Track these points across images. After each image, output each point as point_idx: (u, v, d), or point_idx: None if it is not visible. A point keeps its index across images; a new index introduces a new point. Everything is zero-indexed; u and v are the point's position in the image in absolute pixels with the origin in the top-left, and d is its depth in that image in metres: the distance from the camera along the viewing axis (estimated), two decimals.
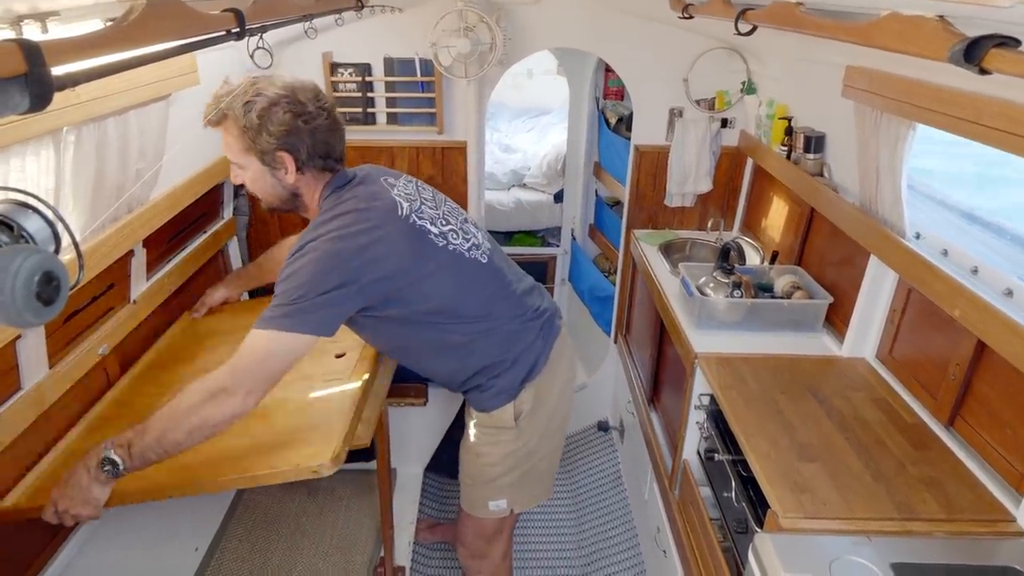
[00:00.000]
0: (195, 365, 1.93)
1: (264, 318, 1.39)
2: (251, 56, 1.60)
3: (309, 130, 1.48)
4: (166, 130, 1.85)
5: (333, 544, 2.31)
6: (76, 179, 1.50)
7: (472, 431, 1.84)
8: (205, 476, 1.47)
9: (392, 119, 2.80)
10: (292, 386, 1.79)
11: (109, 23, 0.84)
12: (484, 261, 1.68)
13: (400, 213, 1.54)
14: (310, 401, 1.69)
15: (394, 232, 1.50)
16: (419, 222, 1.56)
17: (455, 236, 1.63)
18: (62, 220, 0.93)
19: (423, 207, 1.61)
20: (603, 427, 3.39)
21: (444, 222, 1.63)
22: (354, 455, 2.26)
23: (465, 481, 1.92)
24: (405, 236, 1.52)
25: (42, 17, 0.94)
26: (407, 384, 2.53)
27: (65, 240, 0.97)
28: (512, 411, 1.75)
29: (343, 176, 1.60)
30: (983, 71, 0.77)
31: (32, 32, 0.94)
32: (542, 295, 1.86)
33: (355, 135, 2.82)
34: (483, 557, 2.05)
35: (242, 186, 1.61)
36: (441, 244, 1.58)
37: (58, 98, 0.73)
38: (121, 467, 1.36)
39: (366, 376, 1.70)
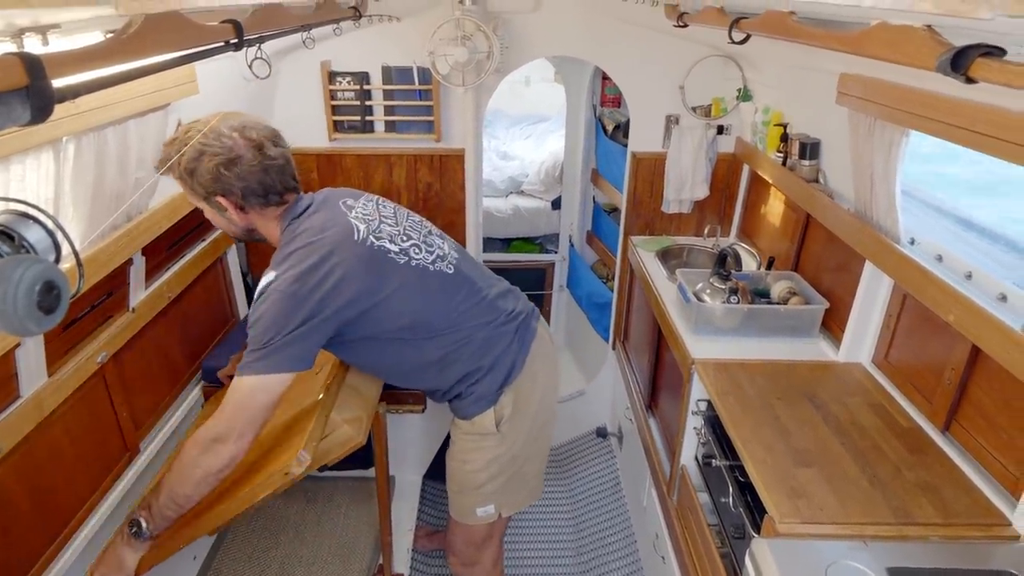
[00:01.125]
0: None
1: (241, 366, 1.45)
2: (249, 66, 1.61)
3: (236, 175, 1.51)
4: (165, 139, 1.85)
5: (332, 552, 2.30)
6: (75, 188, 1.51)
7: (456, 439, 1.86)
8: (204, 516, 1.52)
9: (390, 127, 2.82)
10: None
11: (109, 35, 0.86)
12: (450, 272, 1.70)
13: (357, 237, 1.56)
14: (287, 420, 1.69)
15: (350, 257, 1.52)
16: (377, 243, 1.59)
17: (417, 251, 1.66)
18: (62, 230, 0.93)
19: (382, 226, 1.63)
20: (601, 433, 3.39)
21: (405, 238, 1.66)
22: (353, 462, 2.27)
23: (452, 488, 1.93)
24: (362, 259, 1.54)
25: (43, 30, 0.94)
26: (405, 391, 2.54)
27: (65, 249, 0.98)
28: (493, 417, 1.77)
29: (298, 206, 1.62)
30: (969, 80, 0.78)
31: (33, 45, 0.95)
32: (517, 298, 1.88)
33: (353, 143, 2.84)
34: (474, 564, 2.05)
35: None
36: (403, 261, 1.61)
37: (58, 109, 0.74)
38: (144, 527, 1.48)
39: (329, 381, 1.70)
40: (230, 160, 1.49)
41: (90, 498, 1.84)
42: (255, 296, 1.51)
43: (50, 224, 0.91)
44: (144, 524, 1.48)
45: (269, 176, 1.55)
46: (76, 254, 0.97)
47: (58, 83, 0.72)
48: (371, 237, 1.58)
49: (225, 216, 1.59)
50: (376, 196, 1.76)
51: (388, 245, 1.60)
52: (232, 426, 1.43)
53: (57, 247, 0.92)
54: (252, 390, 1.43)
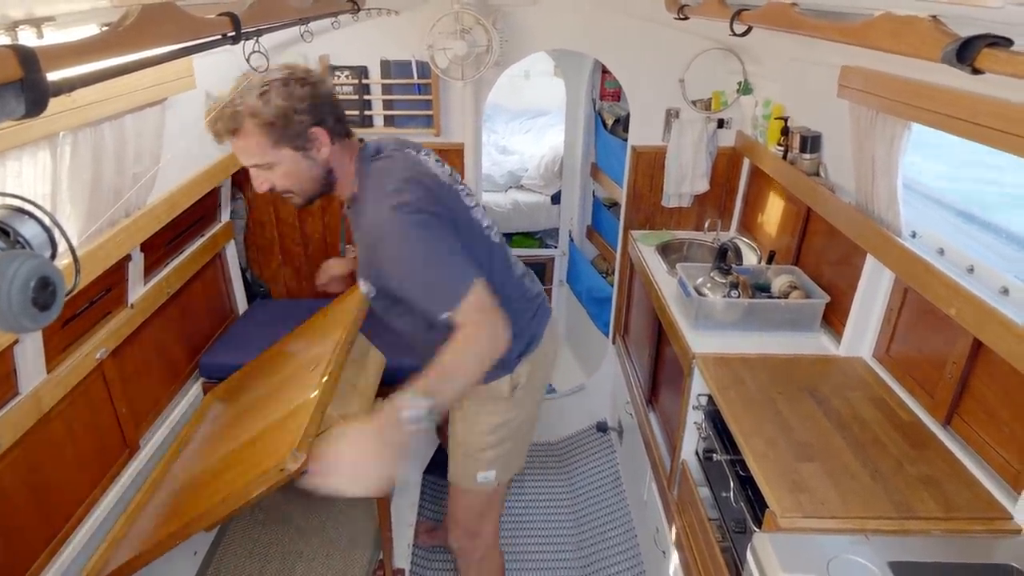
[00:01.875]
0: (223, 442, 1.92)
1: (445, 306, 1.38)
2: (247, 60, 1.59)
3: (323, 94, 1.47)
4: (163, 134, 1.85)
5: (333, 547, 2.30)
6: (73, 184, 1.50)
7: (465, 404, 1.83)
8: (200, 513, 1.54)
9: (389, 121, 2.81)
10: (268, 403, 1.82)
11: (105, 28, 0.85)
12: (496, 241, 1.73)
13: (442, 179, 1.60)
14: (282, 416, 1.69)
15: (444, 194, 1.56)
16: (455, 186, 1.64)
17: (477, 212, 1.69)
18: (58, 225, 0.93)
19: (454, 175, 1.68)
20: (602, 428, 3.38)
21: (468, 196, 1.69)
22: None
23: (455, 453, 1.91)
24: (451, 197, 1.59)
25: (37, 23, 0.94)
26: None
27: (62, 245, 0.97)
28: (509, 383, 1.76)
29: (369, 148, 1.59)
30: (975, 71, 0.77)
31: (27, 38, 0.94)
32: (534, 279, 1.92)
33: None
34: (476, 535, 2.05)
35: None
36: (475, 217, 1.66)
37: (54, 103, 0.73)
38: (426, 411, 1.27)
39: (325, 378, 1.70)
40: (317, 83, 1.45)
41: (90, 495, 1.84)
42: (366, 228, 1.49)
43: (46, 220, 0.90)
44: (427, 409, 1.26)
45: (341, 103, 1.55)
46: (72, 250, 0.96)
47: (53, 76, 0.71)
48: (449, 180, 1.63)
49: (310, 157, 1.48)
50: (433, 151, 1.73)
51: (464, 197, 1.65)
52: (481, 324, 1.38)
53: (53, 243, 0.91)
54: (475, 296, 1.38)
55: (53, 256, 0.92)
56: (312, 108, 1.43)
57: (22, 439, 1.55)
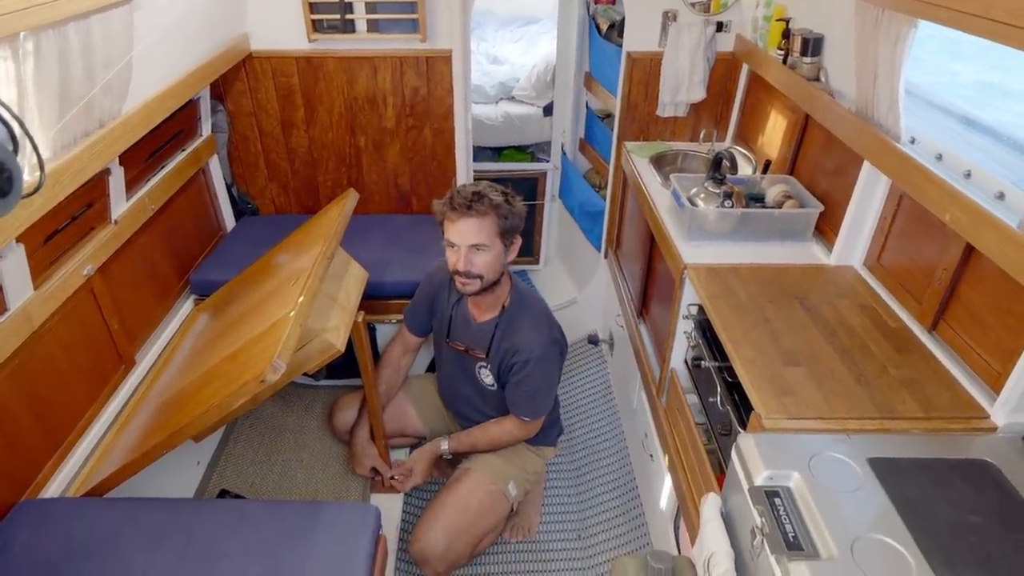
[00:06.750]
0: (207, 356, 1.91)
1: (531, 417, 2.05)
2: None
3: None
4: (132, 36, 1.74)
5: (331, 456, 2.38)
6: (39, 90, 1.42)
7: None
8: (186, 424, 1.58)
9: (373, 26, 2.67)
10: (251, 317, 1.83)
11: None
12: None
13: None
14: (264, 330, 1.68)
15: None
16: None
17: None
18: (13, 114, 0.88)
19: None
20: (593, 340, 3.44)
21: None
22: (351, 371, 2.30)
23: (489, 457, 2.16)
24: None
25: None
26: (393, 300, 2.53)
27: (32, 159, 0.93)
28: (552, 453, 2.34)
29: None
30: None
31: None
32: None
33: (333, 44, 2.69)
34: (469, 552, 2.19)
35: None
36: None
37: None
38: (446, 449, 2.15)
39: (302, 298, 1.67)
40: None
41: (90, 408, 1.87)
42: (524, 363, 1.94)
43: (5, 113, 0.85)
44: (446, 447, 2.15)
45: None
46: (31, 140, 0.92)
47: None
48: None
49: (503, 257, 1.88)
50: None
51: None
52: (529, 433, 2.13)
53: (14, 139, 0.87)
54: (542, 419, 2.12)
55: (15, 151, 0.88)
56: (522, 222, 1.88)
57: (15, 355, 1.55)
